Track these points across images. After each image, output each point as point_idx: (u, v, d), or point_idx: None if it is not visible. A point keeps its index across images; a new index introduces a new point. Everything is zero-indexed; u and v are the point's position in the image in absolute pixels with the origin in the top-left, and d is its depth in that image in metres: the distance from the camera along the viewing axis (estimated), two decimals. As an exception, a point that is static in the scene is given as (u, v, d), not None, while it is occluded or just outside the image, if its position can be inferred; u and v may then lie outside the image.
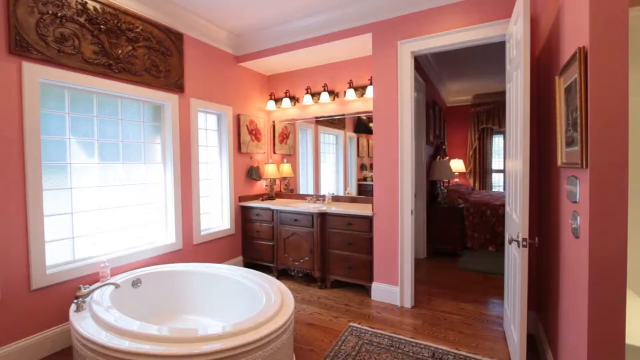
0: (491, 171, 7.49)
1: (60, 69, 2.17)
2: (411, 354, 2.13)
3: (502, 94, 6.53)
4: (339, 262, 3.22)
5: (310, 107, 3.98)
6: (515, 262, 1.92)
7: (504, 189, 2.55)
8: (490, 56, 4.54)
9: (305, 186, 4.22)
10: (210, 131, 3.58)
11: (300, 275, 3.45)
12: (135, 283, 2.50)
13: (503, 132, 7.16)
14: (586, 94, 1.22)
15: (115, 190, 2.64)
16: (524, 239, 1.72)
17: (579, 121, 1.25)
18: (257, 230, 3.73)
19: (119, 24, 2.48)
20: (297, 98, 4.04)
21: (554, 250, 1.85)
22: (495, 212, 4.60)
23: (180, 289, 2.64)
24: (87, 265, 2.36)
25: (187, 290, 2.64)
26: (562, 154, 1.56)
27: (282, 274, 3.61)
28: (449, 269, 3.89)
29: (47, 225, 2.20)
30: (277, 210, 3.54)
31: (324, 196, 3.88)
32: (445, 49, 2.69)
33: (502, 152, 7.38)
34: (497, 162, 7.50)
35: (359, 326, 2.51)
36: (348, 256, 3.16)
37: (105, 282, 2.19)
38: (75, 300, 1.99)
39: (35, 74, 2.04)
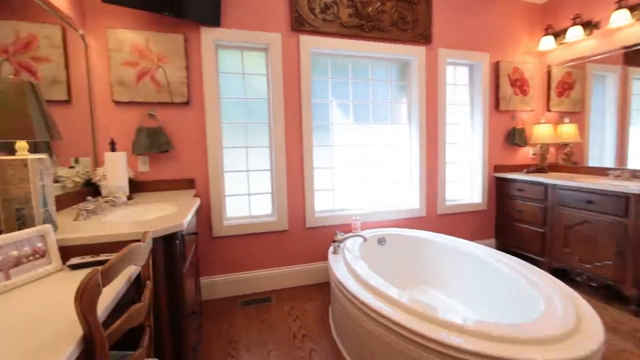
0: None
1: (324, 37, 2.42)
2: None
3: None
4: (692, 278, 1.81)
5: (619, 31, 2.51)
6: None
7: None
8: None
9: (599, 157, 2.80)
10: (460, 86, 3.05)
11: (592, 284, 2.29)
12: (381, 241, 2.50)
13: None
14: None
15: (366, 150, 2.75)
16: None
17: None
18: (519, 210, 2.85)
19: (370, -18, 2.48)
20: (597, 22, 2.66)
21: None
22: None
23: (421, 257, 2.40)
24: (342, 215, 2.60)
25: (428, 260, 2.37)
26: None
27: (557, 275, 2.56)
28: None
29: (315, 177, 2.59)
30: (554, 185, 2.52)
31: (649, 167, 2.37)
32: None
33: None
34: None
35: None
36: None
37: (356, 234, 2.30)
38: (333, 244, 2.19)
39: (308, 44, 2.39)
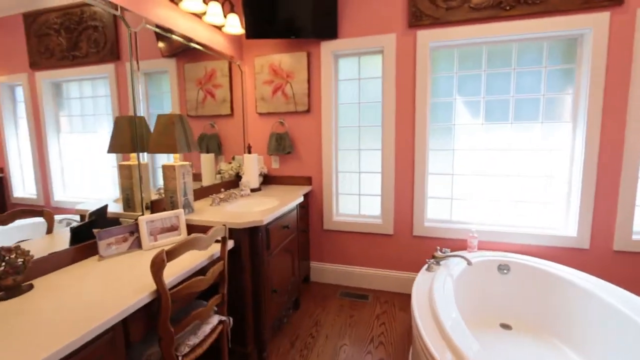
0: None
1: (448, 27, 2.14)
2: None
3: None
4: None
5: None
6: None
7: None
8: None
9: None
10: (690, 61, 1.95)
11: None
12: (502, 268, 2.08)
13: None
14: None
15: (500, 156, 2.28)
16: None
17: None
18: None
19: (519, -55, 1.96)
20: None
21: None
22: None
23: (565, 306, 1.82)
24: (456, 229, 2.30)
25: (575, 315, 1.76)
26: None
27: None
28: None
29: (429, 183, 2.40)
30: None
31: None
32: None
33: None
34: None
35: None
36: None
37: (459, 254, 2.01)
38: (430, 260, 2.02)
39: (426, 39, 2.18)
